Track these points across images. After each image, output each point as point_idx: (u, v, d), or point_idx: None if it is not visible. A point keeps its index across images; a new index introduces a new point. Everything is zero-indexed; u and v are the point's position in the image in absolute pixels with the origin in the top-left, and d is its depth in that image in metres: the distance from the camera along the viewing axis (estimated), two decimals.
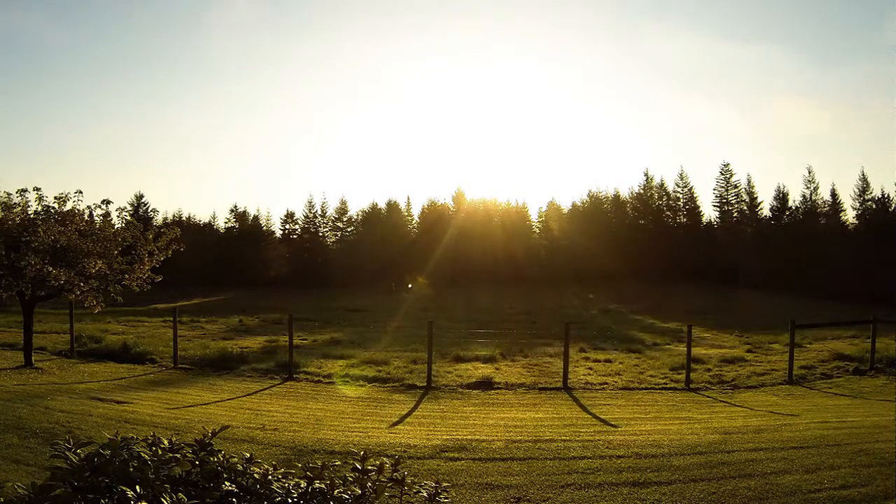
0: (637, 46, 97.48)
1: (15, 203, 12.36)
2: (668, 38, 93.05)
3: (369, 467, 2.03)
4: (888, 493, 4.69)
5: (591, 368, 14.29)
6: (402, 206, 63.10)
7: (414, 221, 63.23)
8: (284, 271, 58.24)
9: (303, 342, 17.99)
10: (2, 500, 1.63)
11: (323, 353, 15.65)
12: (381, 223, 60.52)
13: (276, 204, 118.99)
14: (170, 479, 1.76)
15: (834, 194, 53.49)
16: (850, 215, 53.16)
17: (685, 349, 13.15)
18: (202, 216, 71.45)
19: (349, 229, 62.62)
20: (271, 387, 11.84)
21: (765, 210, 56.70)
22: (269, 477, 1.93)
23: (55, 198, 12.52)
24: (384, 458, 2.12)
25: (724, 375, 13.44)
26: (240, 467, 1.94)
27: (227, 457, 1.96)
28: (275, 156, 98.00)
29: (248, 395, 11.05)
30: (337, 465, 2.15)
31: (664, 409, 10.18)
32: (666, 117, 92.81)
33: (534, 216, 62.56)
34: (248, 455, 2.02)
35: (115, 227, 13.05)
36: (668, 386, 12.41)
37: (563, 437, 6.97)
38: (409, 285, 46.15)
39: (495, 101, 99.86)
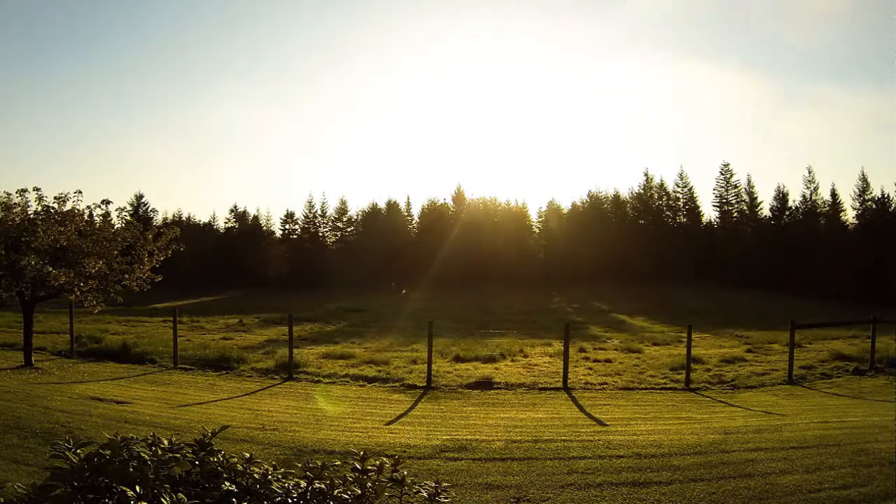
0: (637, 46, 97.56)
1: (15, 203, 12.37)
2: (667, 36, 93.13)
3: (369, 467, 2.03)
4: (888, 493, 4.69)
5: (590, 368, 14.29)
6: (402, 206, 63.09)
7: (414, 221, 63.15)
8: (284, 271, 58.18)
9: (303, 342, 17.99)
10: (2, 500, 1.63)
11: (323, 353, 15.65)
12: (381, 223, 60.45)
13: (276, 204, 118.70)
14: (170, 479, 1.76)
15: (834, 194, 53.45)
16: (850, 215, 53.11)
17: (685, 349, 13.15)
18: (202, 216, 71.68)
19: (349, 229, 62.56)
20: (271, 387, 11.84)
21: (765, 210, 56.70)
22: (269, 477, 1.93)
23: (55, 198, 12.53)
24: (384, 458, 2.12)
25: (724, 375, 13.44)
26: (240, 467, 1.94)
27: (227, 457, 1.95)
28: (275, 156, 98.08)
29: (248, 394, 11.05)
30: (337, 465, 2.15)
31: (664, 409, 10.18)
32: (666, 117, 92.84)
33: (534, 216, 62.58)
34: (248, 455, 2.02)
35: (115, 227, 13.05)
36: (667, 386, 12.41)
37: (563, 437, 6.97)
38: (404, 290, 46.06)
39: (495, 100, 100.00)
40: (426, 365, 12.58)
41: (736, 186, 58.19)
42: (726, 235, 56.33)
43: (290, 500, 1.86)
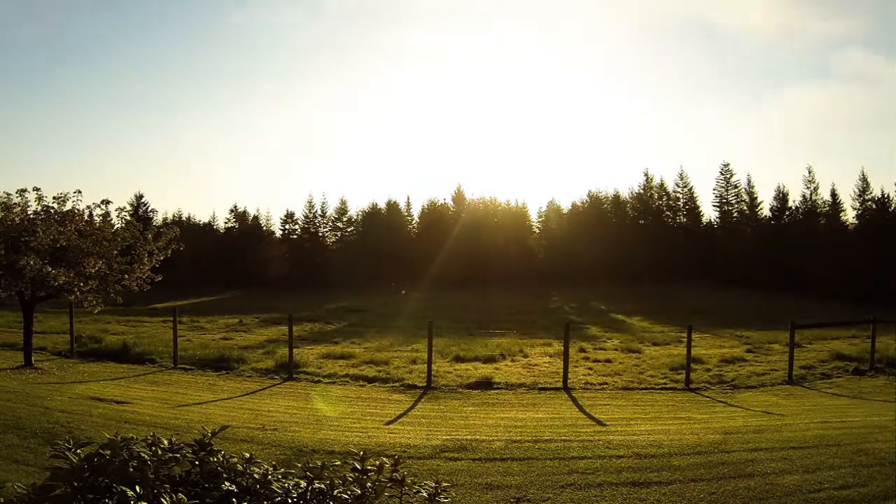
0: (636, 46, 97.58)
1: (15, 203, 12.36)
2: (667, 37, 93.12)
3: (369, 467, 2.03)
4: (888, 493, 4.69)
5: (590, 368, 14.29)
6: (402, 206, 63.07)
7: (414, 221, 63.15)
8: (284, 271, 58.14)
9: (303, 342, 17.99)
10: (2, 500, 1.63)
11: (323, 353, 15.65)
12: (381, 223, 60.42)
13: (276, 204, 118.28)
14: (170, 479, 1.76)
15: (834, 194, 53.37)
16: (850, 215, 53.05)
17: (685, 349, 13.15)
18: (202, 216, 71.55)
19: (349, 229, 62.54)
20: (271, 387, 11.84)
21: (765, 210, 56.60)
22: (269, 477, 1.93)
23: (54, 198, 12.53)
24: (384, 458, 2.12)
25: (724, 375, 13.44)
26: (240, 467, 1.94)
27: (227, 457, 1.95)
28: (275, 156, 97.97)
29: (248, 394, 11.05)
30: (337, 465, 2.15)
31: (664, 409, 10.18)
32: (666, 117, 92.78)
33: (534, 216, 62.52)
34: (248, 455, 2.02)
35: (115, 227, 13.04)
36: (667, 386, 12.41)
37: (563, 437, 6.97)
38: (403, 291, 46.02)
39: (495, 101, 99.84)
40: (426, 365, 12.58)
41: (736, 186, 58.18)
42: (726, 235, 56.29)
43: (290, 500, 1.86)
